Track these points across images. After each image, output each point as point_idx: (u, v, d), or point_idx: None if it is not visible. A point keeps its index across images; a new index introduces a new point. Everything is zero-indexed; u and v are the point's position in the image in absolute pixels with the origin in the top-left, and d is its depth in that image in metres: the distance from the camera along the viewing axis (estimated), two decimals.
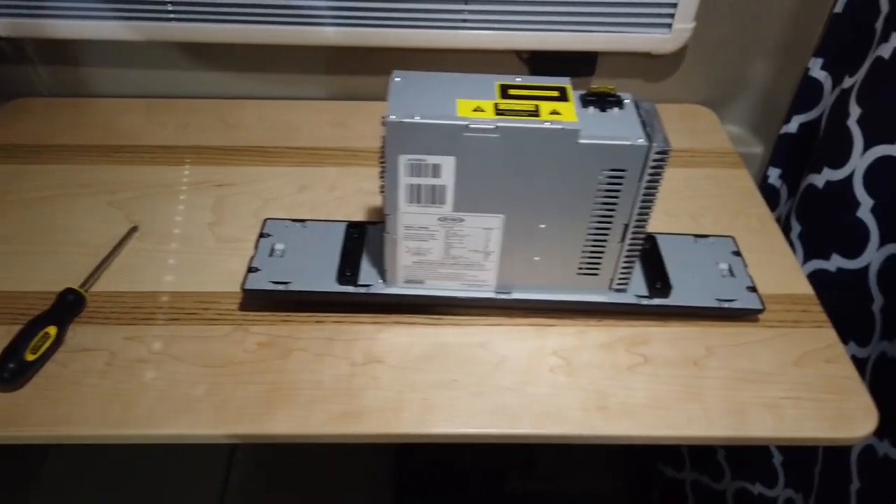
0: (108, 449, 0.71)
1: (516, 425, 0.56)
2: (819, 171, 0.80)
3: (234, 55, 0.91)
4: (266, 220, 0.69)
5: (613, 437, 0.55)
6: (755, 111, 0.94)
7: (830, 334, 0.63)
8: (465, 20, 0.84)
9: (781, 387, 0.59)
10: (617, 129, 0.53)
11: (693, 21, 0.83)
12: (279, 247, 0.66)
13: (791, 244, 0.86)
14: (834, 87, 0.82)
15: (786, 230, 0.87)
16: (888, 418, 0.70)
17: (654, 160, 0.53)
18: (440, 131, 0.52)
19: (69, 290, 0.64)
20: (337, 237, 0.67)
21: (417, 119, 0.51)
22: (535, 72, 0.92)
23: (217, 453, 0.81)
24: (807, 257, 0.84)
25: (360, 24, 0.84)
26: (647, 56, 0.88)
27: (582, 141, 0.52)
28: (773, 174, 0.92)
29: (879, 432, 0.72)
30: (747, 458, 1.00)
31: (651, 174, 0.54)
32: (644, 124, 0.54)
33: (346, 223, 0.68)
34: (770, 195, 0.93)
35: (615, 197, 0.55)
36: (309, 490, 0.89)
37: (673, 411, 0.57)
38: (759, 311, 0.63)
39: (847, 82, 0.77)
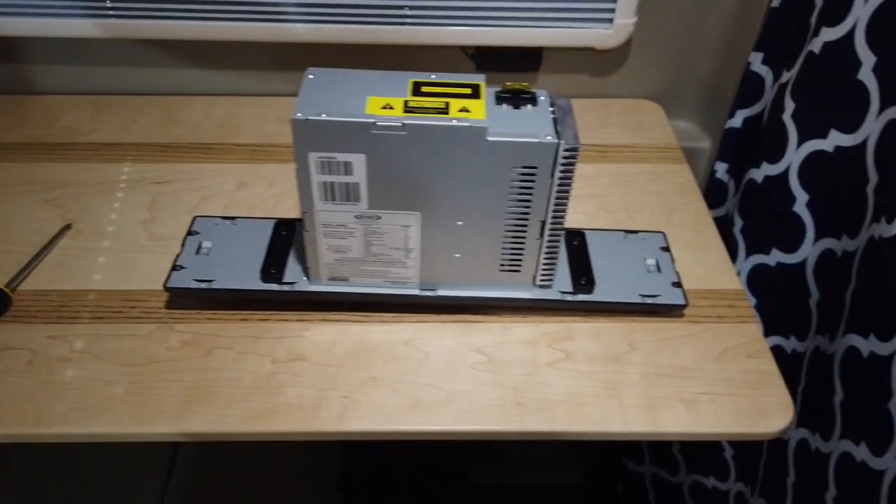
0: (46, 449, 0.71)
1: (433, 422, 0.56)
2: (758, 166, 0.80)
3: (182, 51, 0.91)
4: (195, 217, 0.69)
5: (527, 432, 0.56)
6: (702, 105, 0.95)
7: (754, 329, 0.63)
8: (407, 16, 0.83)
9: (700, 382, 0.59)
10: (527, 126, 0.53)
11: (634, 16, 0.83)
12: (206, 244, 0.66)
13: (734, 239, 0.86)
14: (774, 81, 0.82)
15: (730, 225, 0.87)
16: (818, 412, 0.70)
17: (564, 157, 0.53)
18: (348, 129, 0.52)
19: None
20: (266, 235, 0.67)
21: (324, 117, 0.51)
22: (480, 67, 0.92)
23: (158, 453, 0.81)
24: (749, 252, 0.85)
25: (304, 21, 0.84)
26: (592, 51, 0.88)
27: (490, 138, 0.52)
28: (721, 169, 0.92)
29: (811, 426, 0.73)
30: (701, 451, 1.00)
31: (563, 171, 0.54)
32: (556, 121, 0.54)
33: (274, 221, 0.68)
34: (718, 190, 0.93)
35: (529, 194, 0.55)
36: (257, 489, 0.89)
37: (589, 407, 0.57)
38: (683, 307, 0.63)
39: (784, 76, 0.77)
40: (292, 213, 0.75)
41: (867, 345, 0.63)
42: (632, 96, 0.94)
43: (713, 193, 0.93)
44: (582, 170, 0.81)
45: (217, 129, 0.87)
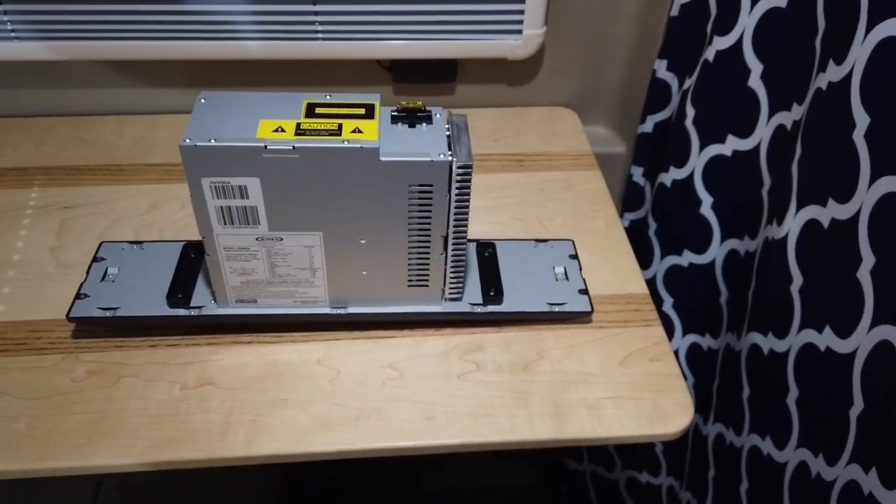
0: None
1: (342, 441, 0.56)
2: (667, 171, 0.82)
3: (93, 70, 0.89)
4: (101, 243, 0.68)
5: (436, 446, 0.56)
6: (616, 111, 0.97)
7: (658, 332, 0.65)
8: (316, 31, 0.83)
9: (605, 387, 0.60)
10: (420, 145, 0.54)
11: (543, 26, 0.84)
12: (112, 271, 0.65)
13: (650, 241, 0.88)
14: (679, 87, 0.84)
15: (645, 227, 0.90)
16: (732, 408, 0.73)
17: (459, 175, 0.54)
18: (238, 153, 0.51)
19: None
20: (173, 258, 0.66)
21: (213, 142, 0.51)
22: (397, 79, 0.92)
23: (82, 485, 0.79)
24: (664, 253, 0.87)
25: (216, 38, 0.83)
26: (505, 61, 0.89)
27: (383, 158, 0.53)
28: (637, 172, 0.94)
29: (726, 422, 0.75)
30: (633, 448, 1.03)
31: (459, 188, 0.55)
32: (450, 139, 0.55)
33: (183, 243, 0.68)
34: (636, 193, 0.95)
35: (427, 211, 0.56)
36: None
37: (497, 418, 0.58)
38: (589, 314, 0.64)
39: (687, 83, 0.79)
40: None
41: (766, 342, 0.65)
42: (548, 104, 0.96)
43: (631, 197, 0.95)
44: (498, 179, 0.83)
45: (130, 149, 0.86)
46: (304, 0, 0.81)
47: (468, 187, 0.55)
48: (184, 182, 0.80)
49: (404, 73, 0.92)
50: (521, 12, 0.83)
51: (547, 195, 0.81)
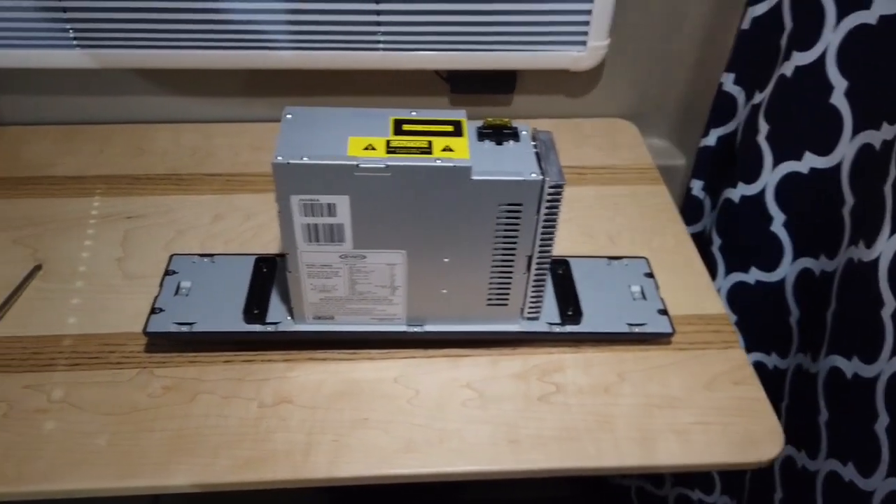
0: None
1: (426, 464, 0.55)
2: (735, 186, 0.81)
3: (149, 79, 0.89)
4: (172, 256, 0.67)
5: (522, 471, 0.55)
6: (677, 124, 0.95)
7: (739, 355, 0.64)
8: (378, 41, 0.83)
9: (691, 412, 0.59)
10: (511, 163, 0.53)
11: (607, 38, 0.83)
12: (185, 284, 0.64)
13: (713, 256, 0.87)
14: (747, 101, 0.83)
15: (708, 243, 0.88)
16: (803, 430, 0.71)
17: (550, 194, 0.53)
18: (330, 172, 0.51)
19: None
20: (246, 272, 0.66)
21: (306, 160, 0.50)
22: (455, 90, 0.91)
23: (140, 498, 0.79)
24: (728, 270, 0.86)
25: (277, 48, 0.82)
26: (566, 72, 0.88)
27: (475, 178, 0.52)
28: (696, 186, 0.93)
29: (796, 444, 0.73)
30: None
31: (548, 207, 0.54)
32: (539, 157, 0.54)
33: (255, 257, 0.67)
34: (695, 207, 0.94)
35: (515, 230, 0.55)
36: None
37: (583, 442, 0.57)
38: (670, 335, 0.63)
39: (757, 98, 0.78)
40: (271, 246, 0.74)
41: (851, 366, 0.64)
42: (606, 115, 0.94)
43: (689, 210, 0.94)
44: None
45: (188, 158, 0.86)
46: (367, 11, 0.80)
47: (558, 207, 0.54)
48: (246, 193, 0.80)
49: (462, 84, 0.91)
50: (587, 24, 0.82)
51: (613, 210, 0.79)
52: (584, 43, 0.84)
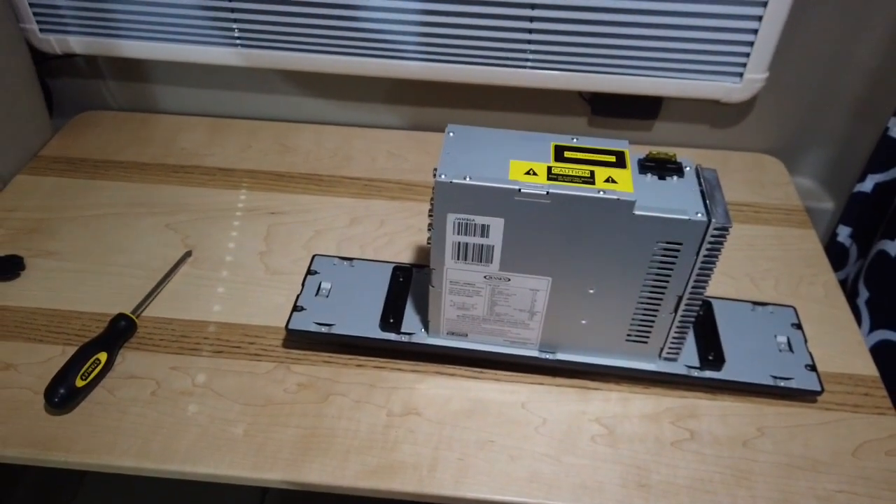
0: (137, 481, 0.72)
1: (552, 496, 0.55)
2: (892, 238, 0.76)
3: (297, 80, 0.92)
4: (314, 256, 0.69)
5: None
6: (828, 165, 0.90)
7: (893, 423, 0.59)
8: (527, 59, 0.82)
9: (837, 478, 0.56)
10: (675, 200, 0.51)
11: (766, 71, 0.80)
12: (325, 286, 0.66)
13: (857, 310, 0.82)
14: None
15: (852, 294, 0.83)
16: None
17: (713, 236, 0.51)
18: (491, 194, 0.51)
19: (121, 316, 0.65)
20: (383, 279, 0.67)
21: (468, 181, 0.50)
22: (596, 112, 0.90)
23: (249, 491, 0.81)
24: (873, 326, 0.80)
25: (425, 59, 0.84)
26: (715, 103, 0.85)
27: (637, 212, 0.50)
28: (843, 233, 0.87)
29: None
30: None
31: (709, 250, 0.52)
32: (704, 196, 0.52)
33: (392, 265, 0.68)
34: (839, 254, 0.88)
35: (669, 269, 0.53)
36: None
37: (718, 496, 0.54)
38: (818, 393, 0.60)
39: None
40: (402, 255, 0.75)
41: None
42: (752, 149, 0.91)
43: (833, 257, 0.89)
44: None
45: (329, 159, 0.88)
46: (520, 29, 0.80)
47: (720, 250, 0.52)
48: (381, 199, 0.82)
49: (604, 107, 0.89)
50: (746, 55, 0.79)
51: (757, 251, 0.76)
52: (740, 74, 0.80)
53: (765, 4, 0.75)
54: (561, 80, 0.84)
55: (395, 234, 0.78)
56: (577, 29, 0.79)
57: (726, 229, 0.51)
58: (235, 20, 0.84)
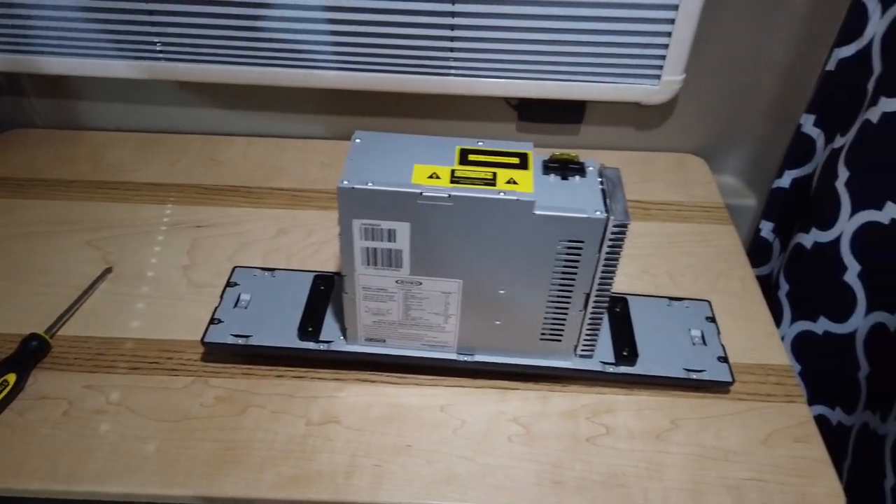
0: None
1: (467, 498, 0.55)
2: (807, 231, 0.78)
3: (225, 92, 0.92)
4: (234, 268, 0.69)
5: None
6: (749, 163, 0.93)
7: (803, 410, 0.61)
8: (451, 66, 0.83)
9: (747, 467, 0.57)
10: (576, 199, 0.52)
11: (683, 73, 0.82)
12: (245, 297, 0.66)
13: (779, 303, 0.84)
14: (826, 144, 0.80)
15: (775, 287, 0.85)
16: (866, 495, 0.67)
17: (613, 233, 0.52)
18: (394, 198, 0.51)
19: (33, 336, 0.64)
20: (304, 288, 0.67)
21: (370, 186, 0.51)
22: (523, 118, 0.91)
23: None
24: (794, 318, 0.82)
25: (350, 69, 0.84)
26: (637, 105, 0.87)
27: (538, 212, 0.51)
28: (766, 228, 0.90)
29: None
30: None
31: (610, 246, 0.53)
32: (605, 194, 0.53)
33: (313, 274, 0.68)
34: (763, 249, 0.90)
35: (574, 267, 0.54)
36: None
37: (630, 489, 0.55)
38: (729, 384, 0.61)
39: (838, 141, 0.75)
40: (329, 264, 0.75)
41: None
42: (676, 150, 0.92)
43: (757, 252, 0.91)
44: None
45: (258, 171, 0.88)
46: (441, 37, 0.81)
47: (620, 246, 0.53)
48: (310, 209, 0.82)
49: (530, 112, 0.91)
50: (662, 57, 0.81)
51: (677, 248, 0.77)
52: (658, 77, 0.82)
53: (676, 8, 0.77)
54: (485, 86, 0.84)
55: (323, 243, 0.78)
56: (499, 36, 0.80)
57: (625, 226, 0.52)
58: (157, 34, 0.83)
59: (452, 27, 0.80)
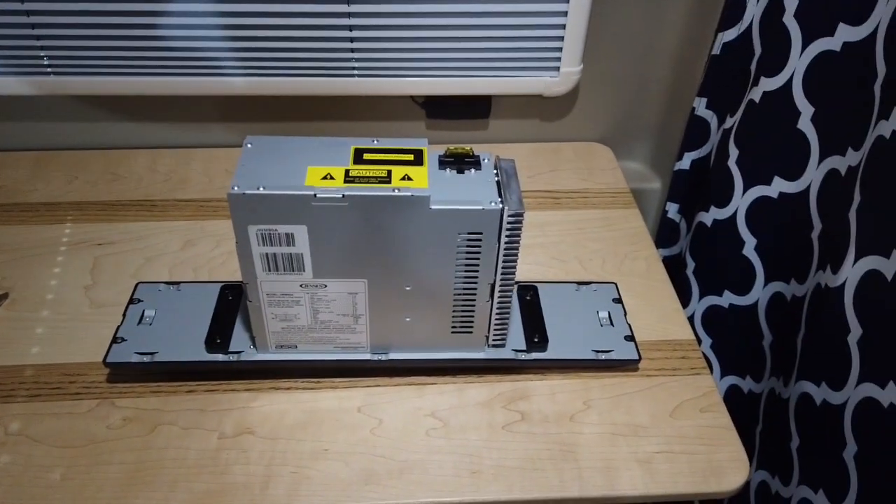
0: None
1: (385, 496, 0.55)
2: (707, 210, 0.81)
3: (124, 105, 0.89)
4: (137, 284, 0.67)
5: (482, 503, 0.54)
6: (652, 147, 0.96)
7: (707, 381, 0.63)
8: (353, 68, 0.83)
9: (656, 440, 0.58)
10: (471, 192, 0.53)
11: (580, 64, 0.84)
12: (149, 313, 0.64)
13: (688, 280, 0.87)
14: (719, 125, 0.83)
15: (683, 266, 0.88)
16: (776, 456, 0.71)
17: (510, 222, 0.53)
18: (287, 202, 0.50)
19: None
20: (211, 300, 0.65)
21: (262, 190, 0.50)
22: (431, 115, 0.91)
23: None
24: (702, 293, 0.85)
25: (251, 74, 0.83)
26: (540, 97, 0.88)
27: (434, 206, 0.51)
28: (672, 209, 0.93)
29: (770, 469, 0.73)
30: None
31: (508, 236, 0.53)
32: (500, 185, 0.54)
33: (220, 285, 0.66)
34: (670, 230, 0.94)
35: (475, 259, 0.55)
36: None
37: (546, 472, 0.56)
38: (636, 362, 0.63)
39: (728, 122, 0.78)
40: (238, 274, 0.73)
41: (820, 392, 0.63)
42: (582, 139, 0.95)
43: (665, 233, 0.94)
44: (534, 217, 0.81)
45: (163, 184, 0.85)
46: (341, 38, 0.80)
47: (518, 235, 0.54)
48: (218, 219, 0.80)
49: (438, 109, 0.91)
50: (559, 49, 0.82)
51: (585, 234, 0.79)
52: (557, 69, 0.84)
53: (568, 0, 0.78)
54: (389, 86, 0.84)
55: (232, 252, 0.76)
56: (399, 35, 0.80)
57: (520, 215, 0.53)
58: (42, 47, 0.80)
59: (350, 28, 0.80)
